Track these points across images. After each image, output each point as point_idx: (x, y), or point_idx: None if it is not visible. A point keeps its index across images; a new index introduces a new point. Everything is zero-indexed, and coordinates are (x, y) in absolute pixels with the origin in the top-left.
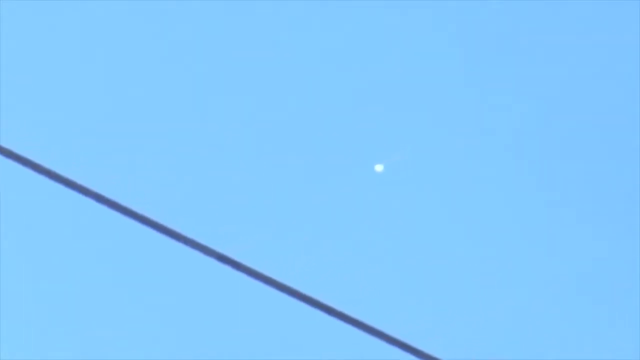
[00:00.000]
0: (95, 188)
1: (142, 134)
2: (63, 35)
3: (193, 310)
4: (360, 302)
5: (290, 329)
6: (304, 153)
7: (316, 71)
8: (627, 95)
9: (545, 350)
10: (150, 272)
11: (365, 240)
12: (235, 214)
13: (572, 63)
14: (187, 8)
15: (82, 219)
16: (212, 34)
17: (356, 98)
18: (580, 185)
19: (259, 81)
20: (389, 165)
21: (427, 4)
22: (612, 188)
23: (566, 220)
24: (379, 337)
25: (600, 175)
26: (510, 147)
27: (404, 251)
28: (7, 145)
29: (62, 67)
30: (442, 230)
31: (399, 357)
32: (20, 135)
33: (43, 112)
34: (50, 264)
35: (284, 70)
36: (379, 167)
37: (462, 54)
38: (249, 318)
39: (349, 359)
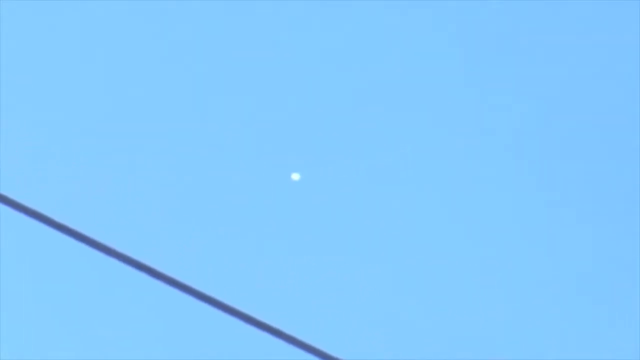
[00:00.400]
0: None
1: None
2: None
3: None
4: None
5: (227, 345)
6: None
7: (318, 71)
8: (627, 95)
9: (545, 350)
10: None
11: (360, 247)
12: (154, 221)
13: (572, 63)
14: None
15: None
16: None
17: (354, 98)
18: (580, 185)
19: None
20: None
21: (427, 4)
22: (612, 188)
23: (566, 221)
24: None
25: (600, 175)
26: (510, 147)
27: (403, 252)
28: None
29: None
30: (443, 230)
31: None
32: None
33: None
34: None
35: (281, 70)
36: (295, 176)
37: (462, 54)
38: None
39: None
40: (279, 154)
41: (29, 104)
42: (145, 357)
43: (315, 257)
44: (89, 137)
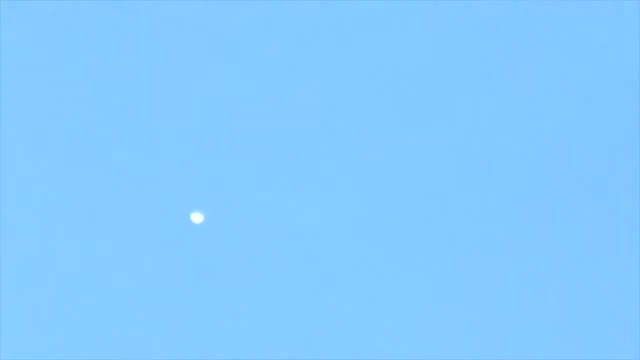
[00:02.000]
0: None
1: None
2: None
3: None
4: None
5: None
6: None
7: (312, 73)
8: (627, 95)
9: (545, 351)
10: None
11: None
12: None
13: (572, 63)
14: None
15: None
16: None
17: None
18: (579, 185)
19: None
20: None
21: (427, 3)
22: (612, 188)
23: (564, 219)
24: None
25: (599, 175)
26: (509, 147)
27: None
28: None
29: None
30: (446, 233)
31: None
32: None
33: None
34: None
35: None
36: (197, 217)
37: (461, 53)
38: None
39: None
40: (180, 190)
41: None
42: None
43: (219, 300)
44: None
